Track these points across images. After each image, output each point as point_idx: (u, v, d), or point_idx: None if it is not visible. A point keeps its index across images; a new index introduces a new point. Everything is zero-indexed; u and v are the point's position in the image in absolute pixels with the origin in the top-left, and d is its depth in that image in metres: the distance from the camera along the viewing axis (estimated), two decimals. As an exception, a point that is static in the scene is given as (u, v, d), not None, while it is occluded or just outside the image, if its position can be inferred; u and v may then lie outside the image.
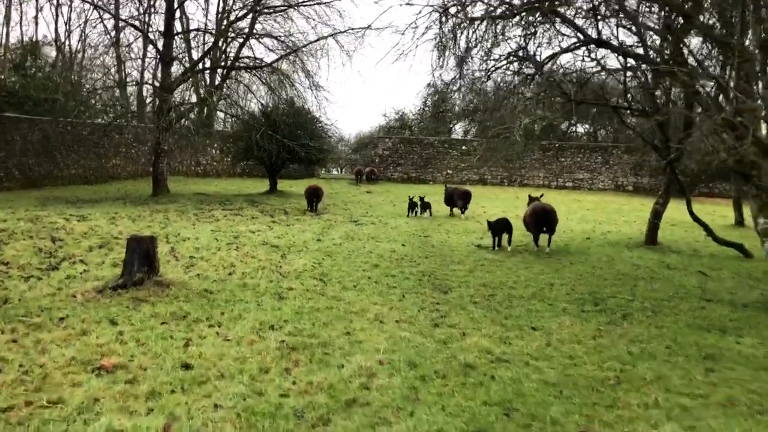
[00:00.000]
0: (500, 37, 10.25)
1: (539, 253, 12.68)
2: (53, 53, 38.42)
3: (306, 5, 24.57)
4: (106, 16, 26.44)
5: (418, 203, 19.47)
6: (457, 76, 11.01)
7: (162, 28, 24.22)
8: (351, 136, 52.16)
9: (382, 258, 11.22)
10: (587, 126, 45.61)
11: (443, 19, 10.29)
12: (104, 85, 31.62)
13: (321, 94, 25.41)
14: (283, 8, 25.51)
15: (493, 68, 10.76)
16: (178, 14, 26.69)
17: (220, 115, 41.68)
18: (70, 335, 5.94)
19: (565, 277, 10.21)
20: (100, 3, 25.39)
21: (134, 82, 34.47)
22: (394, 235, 14.73)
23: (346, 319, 7.04)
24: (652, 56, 10.78)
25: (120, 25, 26.47)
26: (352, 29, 23.16)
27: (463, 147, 40.28)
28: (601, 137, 45.21)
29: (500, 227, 12.95)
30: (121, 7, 26.34)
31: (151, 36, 25.49)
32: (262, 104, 26.33)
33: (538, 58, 10.56)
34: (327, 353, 5.73)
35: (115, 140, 31.71)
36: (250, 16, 25.60)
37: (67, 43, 37.89)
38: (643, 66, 11.62)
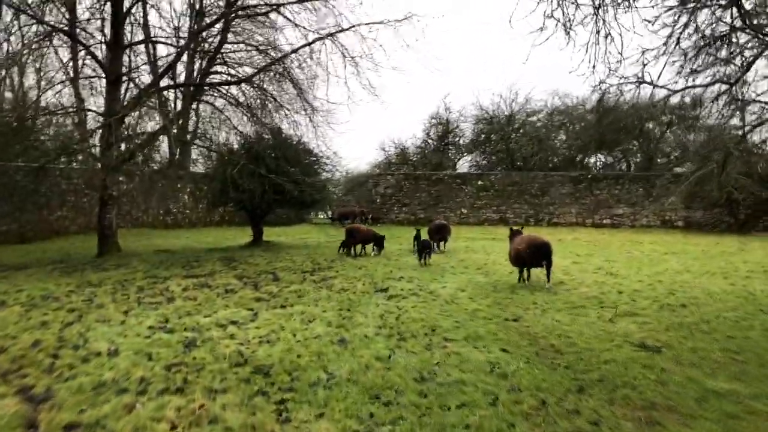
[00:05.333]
0: None
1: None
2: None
3: (294, 3, 18.78)
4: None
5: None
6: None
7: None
8: (341, 174, 45.76)
9: (494, 407, 5.16)
10: (617, 154, 40.20)
11: None
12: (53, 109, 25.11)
13: (317, 118, 19.52)
14: (263, 10, 19.78)
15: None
16: (133, 21, 20.79)
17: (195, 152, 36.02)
18: None
19: None
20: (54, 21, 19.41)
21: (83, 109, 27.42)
22: (464, 318, 8.69)
23: None
24: None
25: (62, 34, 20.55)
26: (357, 25, 17.43)
27: (479, 182, 34.51)
28: (621, 168, 39.88)
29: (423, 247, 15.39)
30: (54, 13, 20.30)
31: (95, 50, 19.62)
32: (240, 133, 20.43)
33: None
34: None
35: (61, 186, 25.62)
36: (221, 23, 19.90)
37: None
38: None
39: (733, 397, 5.26)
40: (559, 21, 7.12)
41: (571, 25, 7.22)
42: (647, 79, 8.48)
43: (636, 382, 5.72)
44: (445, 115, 42.63)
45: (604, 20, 7.01)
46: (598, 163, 41.29)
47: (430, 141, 43.69)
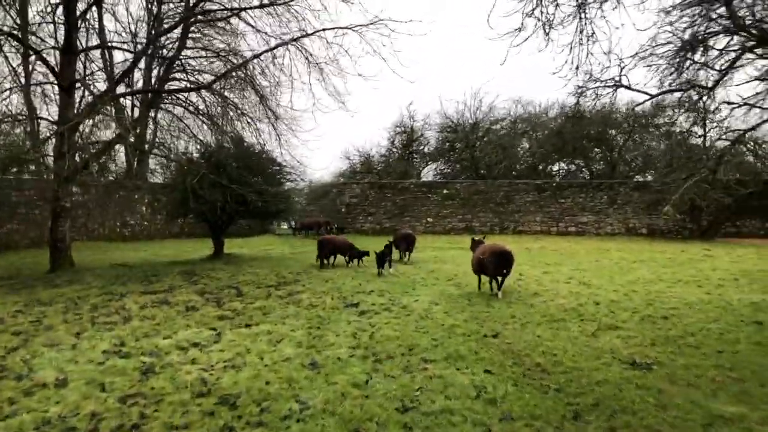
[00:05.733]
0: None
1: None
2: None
3: (255, 8, 18.23)
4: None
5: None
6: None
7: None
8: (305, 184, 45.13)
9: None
10: (579, 162, 40.40)
11: None
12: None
13: (281, 126, 18.95)
14: (224, 15, 19.18)
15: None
16: (88, 27, 19.85)
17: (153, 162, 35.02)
18: None
19: None
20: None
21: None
22: (441, 335, 8.24)
23: None
24: None
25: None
26: (322, 30, 16.95)
27: (445, 190, 34.28)
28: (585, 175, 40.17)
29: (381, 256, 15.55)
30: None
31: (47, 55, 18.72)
32: (200, 142, 19.71)
33: None
34: None
35: (11, 198, 24.48)
36: (180, 28, 19.20)
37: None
38: None
39: (742, 423, 4.91)
40: (539, 20, 6.78)
41: (551, 24, 6.89)
42: (625, 83, 8.23)
43: (635, 406, 5.33)
44: (410, 123, 42.44)
45: (587, 19, 6.69)
46: (560, 171, 41.51)
47: (394, 149, 43.38)
